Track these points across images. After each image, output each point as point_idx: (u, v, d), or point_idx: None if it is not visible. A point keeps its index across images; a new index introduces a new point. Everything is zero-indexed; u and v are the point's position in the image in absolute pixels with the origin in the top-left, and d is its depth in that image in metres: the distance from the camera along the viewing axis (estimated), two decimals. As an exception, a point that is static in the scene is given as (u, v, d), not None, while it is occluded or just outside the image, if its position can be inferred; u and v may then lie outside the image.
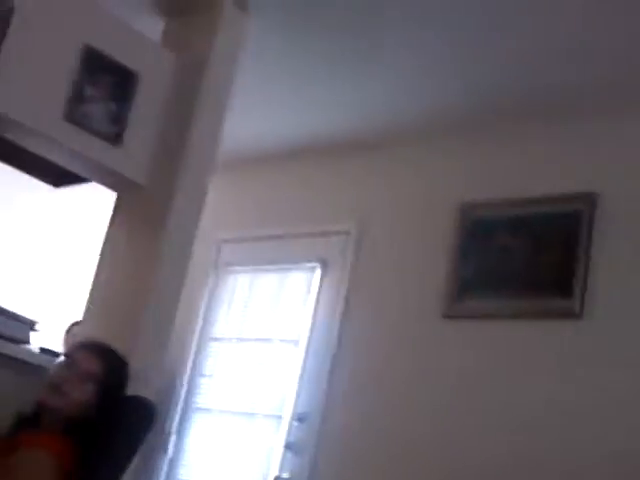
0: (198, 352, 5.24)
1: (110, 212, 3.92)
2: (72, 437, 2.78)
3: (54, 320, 5.16)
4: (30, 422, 2.84)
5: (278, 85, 4.52)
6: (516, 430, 3.88)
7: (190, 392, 5.18)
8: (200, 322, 5.27)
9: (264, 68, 4.31)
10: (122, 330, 3.74)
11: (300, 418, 4.63)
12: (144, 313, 3.68)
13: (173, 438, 5.11)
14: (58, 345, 4.67)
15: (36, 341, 3.80)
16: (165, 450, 5.09)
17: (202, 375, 5.19)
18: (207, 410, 5.09)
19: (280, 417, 4.72)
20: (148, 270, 3.72)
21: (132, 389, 3.54)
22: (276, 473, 4.60)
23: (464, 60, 3.99)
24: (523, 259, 4.14)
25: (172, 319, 3.79)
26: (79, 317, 4.01)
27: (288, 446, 4.61)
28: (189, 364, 5.21)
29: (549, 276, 4.04)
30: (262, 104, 4.74)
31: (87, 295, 3.93)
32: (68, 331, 4.94)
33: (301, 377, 4.73)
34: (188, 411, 5.14)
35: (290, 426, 4.66)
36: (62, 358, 2.88)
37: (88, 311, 3.92)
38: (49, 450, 2.72)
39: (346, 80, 4.34)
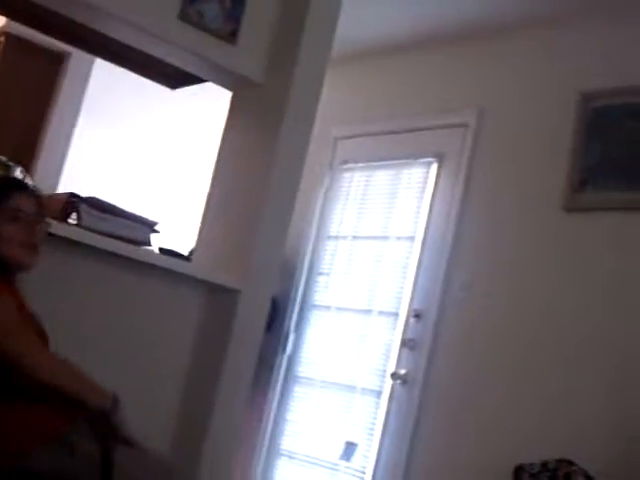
0: (315, 250, 5.28)
1: (227, 112, 3.93)
2: None
3: (175, 221, 5.26)
4: None
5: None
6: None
7: (308, 290, 5.23)
8: (316, 220, 5.29)
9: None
10: (240, 229, 3.79)
11: (417, 315, 4.63)
12: (261, 212, 3.70)
13: (292, 336, 5.20)
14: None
15: (157, 242, 3.86)
16: (284, 348, 5.19)
17: (319, 273, 5.23)
18: (325, 307, 5.15)
19: (397, 314, 4.74)
20: (265, 168, 3.72)
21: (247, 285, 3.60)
22: (393, 369, 4.65)
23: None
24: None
25: (289, 217, 3.80)
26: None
27: (404, 343, 4.64)
28: (306, 262, 5.26)
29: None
30: None
31: (206, 195, 3.98)
32: None
33: (417, 274, 4.72)
34: (306, 309, 5.21)
35: (407, 323, 4.67)
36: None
37: (207, 210, 3.98)
38: None
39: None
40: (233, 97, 3.93)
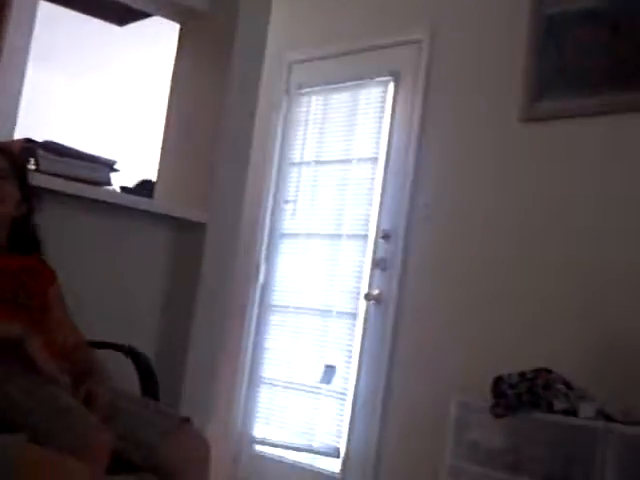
0: (279, 178, 5.25)
1: (176, 45, 3.88)
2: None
3: (134, 159, 5.22)
4: None
5: None
6: (609, 238, 3.78)
7: (274, 218, 5.23)
8: (278, 148, 5.25)
9: None
10: (199, 162, 3.77)
11: (385, 236, 4.65)
12: (220, 142, 3.68)
13: (263, 266, 5.21)
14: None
15: (118, 182, 3.83)
16: (256, 277, 5.20)
17: (285, 201, 5.22)
18: (293, 235, 5.15)
19: (366, 236, 4.76)
20: (219, 98, 3.70)
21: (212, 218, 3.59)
22: (366, 291, 4.68)
23: None
24: (604, 51, 3.91)
25: (248, 146, 3.79)
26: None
27: (376, 264, 4.67)
28: (271, 190, 5.24)
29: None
30: None
31: (162, 130, 3.95)
32: None
33: (383, 195, 4.72)
34: (274, 237, 5.21)
35: (376, 244, 4.69)
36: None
37: (165, 146, 3.94)
38: None
39: None
40: (181, 29, 3.88)
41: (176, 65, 3.89)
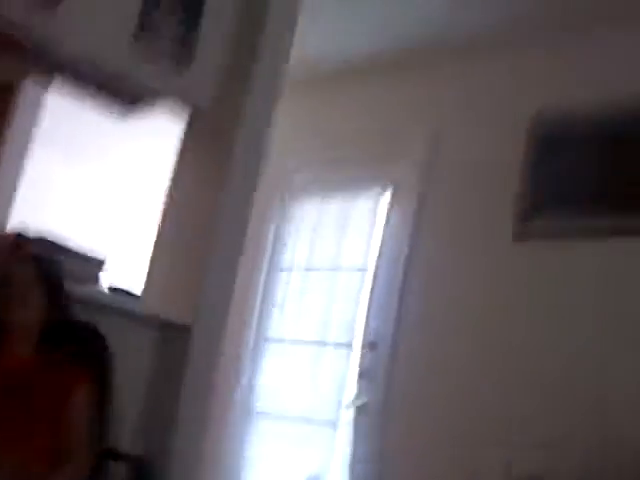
0: (267, 282, 5.23)
1: (177, 140, 3.89)
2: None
3: (125, 255, 5.19)
4: None
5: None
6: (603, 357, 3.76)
7: (261, 322, 5.19)
8: (268, 251, 5.26)
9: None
10: (190, 264, 3.75)
11: (371, 346, 4.61)
12: (212, 245, 3.67)
13: (247, 369, 5.15)
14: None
15: (106, 280, 3.81)
16: (238, 380, 5.14)
17: (272, 305, 5.18)
18: (279, 340, 5.11)
19: (351, 345, 4.71)
20: (215, 200, 3.70)
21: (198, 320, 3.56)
22: (350, 400, 4.61)
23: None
24: (599, 173, 3.96)
25: (240, 251, 3.77)
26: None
27: (361, 374, 4.61)
28: (259, 294, 5.22)
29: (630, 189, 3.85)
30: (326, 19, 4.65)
31: (156, 228, 3.93)
32: None
33: (370, 305, 4.69)
34: (259, 341, 5.16)
35: (362, 354, 4.64)
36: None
37: (157, 244, 3.92)
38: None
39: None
40: (185, 126, 3.90)
41: (176, 160, 3.89)
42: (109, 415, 2.98)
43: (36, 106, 5.49)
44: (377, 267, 4.73)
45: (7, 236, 3.60)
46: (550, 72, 4.31)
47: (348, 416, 4.61)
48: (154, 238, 3.92)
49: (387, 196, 4.83)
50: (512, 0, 4.18)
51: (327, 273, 5.00)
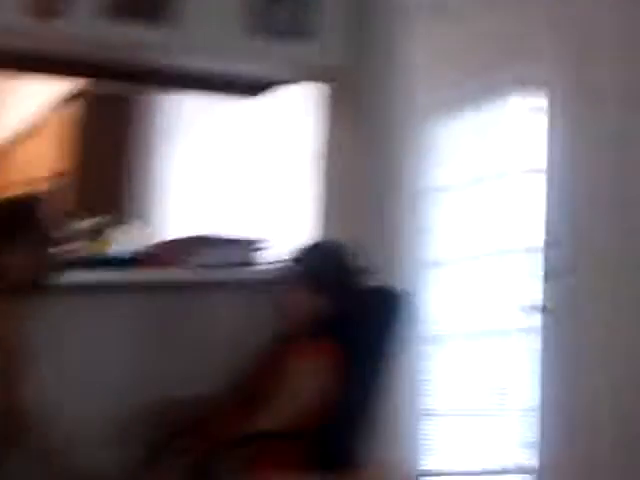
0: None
1: (318, 108, 3.76)
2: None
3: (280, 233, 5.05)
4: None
5: None
6: None
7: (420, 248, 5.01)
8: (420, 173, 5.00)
9: None
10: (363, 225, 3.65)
11: (555, 245, 4.40)
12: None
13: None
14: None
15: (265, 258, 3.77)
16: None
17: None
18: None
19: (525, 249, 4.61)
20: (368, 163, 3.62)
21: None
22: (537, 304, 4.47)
23: None
24: None
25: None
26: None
27: (546, 275, 4.44)
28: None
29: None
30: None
31: (317, 199, 3.84)
32: None
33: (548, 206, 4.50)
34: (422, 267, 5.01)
35: (544, 254, 4.47)
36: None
37: (323, 213, 3.82)
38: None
39: None
40: (327, 90, 3.77)
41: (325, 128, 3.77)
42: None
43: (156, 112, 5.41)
44: (548, 169, 4.51)
45: (186, 240, 3.57)
46: None
47: (534, 322, 4.48)
48: (317, 208, 3.83)
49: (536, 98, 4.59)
50: None
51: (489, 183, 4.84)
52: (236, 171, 5.56)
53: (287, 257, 3.28)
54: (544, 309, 4.46)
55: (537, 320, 4.48)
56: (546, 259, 4.50)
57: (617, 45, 4.24)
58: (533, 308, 4.50)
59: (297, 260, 3.14)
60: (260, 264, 3.64)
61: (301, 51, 3.40)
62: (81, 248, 3.52)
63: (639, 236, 4.09)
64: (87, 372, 3.18)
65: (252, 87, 3.81)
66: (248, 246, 3.65)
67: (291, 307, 3.05)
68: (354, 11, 3.50)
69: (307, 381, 2.97)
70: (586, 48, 4.31)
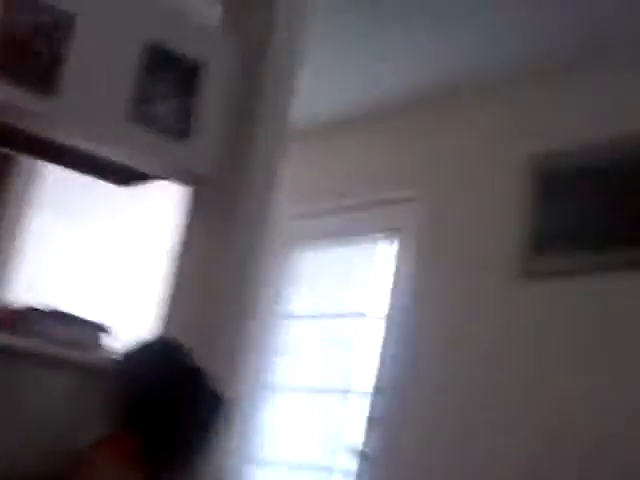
0: (272, 330, 5.22)
1: (183, 207, 3.85)
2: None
3: (128, 321, 5.11)
4: None
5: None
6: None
7: (263, 370, 5.15)
8: (273, 299, 5.24)
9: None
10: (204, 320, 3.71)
11: (378, 392, 4.59)
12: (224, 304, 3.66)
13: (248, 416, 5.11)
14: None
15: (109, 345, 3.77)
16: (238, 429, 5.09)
17: (276, 353, 5.18)
18: (282, 388, 5.10)
19: (356, 392, 4.73)
20: (222, 265, 3.68)
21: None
22: (357, 447, 4.59)
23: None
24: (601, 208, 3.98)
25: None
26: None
27: (367, 421, 4.59)
28: (263, 342, 5.18)
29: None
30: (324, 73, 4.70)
31: (163, 293, 3.89)
32: None
33: (383, 350, 4.67)
34: (261, 389, 5.12)
35: (371, 400, 4.62)
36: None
37: (168, 307, 3.87)
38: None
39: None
40: (191, 192, 3.86)
41: (184, 227, 3.85)
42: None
43: (34, 174, 5.43)
44: (383, 313, 4.71)
45: (17, 310, 3.54)
46: (550, 110, 4.35)
47: (350, 463, 4.57)
48: (165, 299, 3.88)
49: (389, 242, 4.85)
50: (511, 39, 4.21)
51: (332, 320, 4.99)
52: (97, 253, 5.68)
53: (121, 350, 3.29)
54: (363, 454, 4.58)
55: (355, 464, 4.58)
56: (372, 405, 4.62)
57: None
58: (354, 451, 4.62)
59: (124, 356, 3.13)
60: (99, 349, 3.62)
61: (177, 150, 3.52)
62: None
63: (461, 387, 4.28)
64: None
65: (125, 175, 3.92)
66: (92, 328, 3.59)
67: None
68: (234, 123, 3.66)
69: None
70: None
